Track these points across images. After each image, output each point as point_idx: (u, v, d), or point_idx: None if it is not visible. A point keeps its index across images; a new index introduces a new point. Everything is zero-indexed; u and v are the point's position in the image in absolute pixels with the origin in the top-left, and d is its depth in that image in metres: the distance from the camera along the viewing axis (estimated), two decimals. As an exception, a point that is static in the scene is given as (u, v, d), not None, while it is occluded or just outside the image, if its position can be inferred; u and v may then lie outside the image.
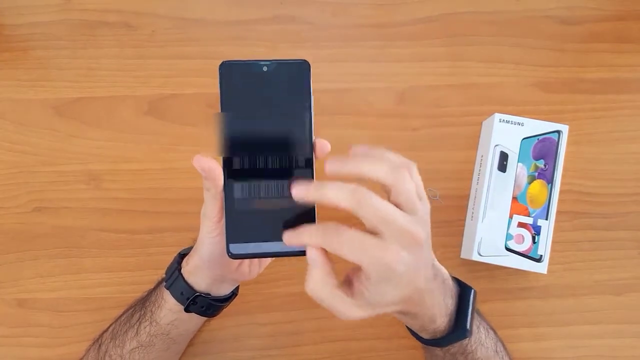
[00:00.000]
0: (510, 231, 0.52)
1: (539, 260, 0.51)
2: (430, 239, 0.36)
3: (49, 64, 0.60)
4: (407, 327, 0.43)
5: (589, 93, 0.59)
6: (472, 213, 0.54)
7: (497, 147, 0.53)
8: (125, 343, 0.45)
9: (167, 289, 0.44)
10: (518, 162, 0.52)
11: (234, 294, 0.48)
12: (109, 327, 0.49)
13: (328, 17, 0.60)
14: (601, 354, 0.55)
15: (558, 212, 0.52)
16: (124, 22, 0.60)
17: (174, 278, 0.44)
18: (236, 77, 0.37)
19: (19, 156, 0.58)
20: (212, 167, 0.37)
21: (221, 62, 0.37)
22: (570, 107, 0.59)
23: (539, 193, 0.52)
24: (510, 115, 0.53)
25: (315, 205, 0.39)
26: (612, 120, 0.58)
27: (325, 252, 0.33)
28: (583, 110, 0.59)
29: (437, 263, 0.39)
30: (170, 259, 0.47)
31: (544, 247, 0.51)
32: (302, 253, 0.39)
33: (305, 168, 0.38)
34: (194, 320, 0.47)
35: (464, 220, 0.57)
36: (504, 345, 0.46)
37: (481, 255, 0.52)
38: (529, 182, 0.52)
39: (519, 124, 0.53)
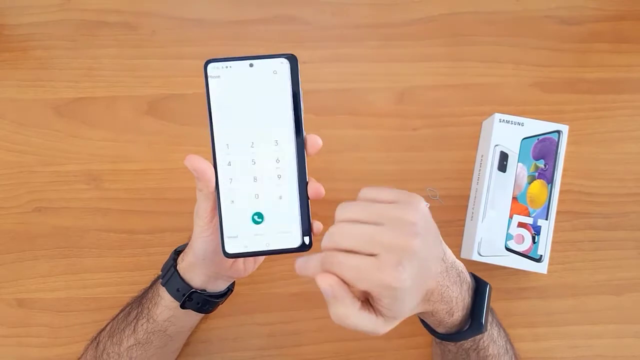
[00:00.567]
0: (510, 231, 0.52)
1: (539, 260, 0.51)
2: (430, 234, 0.35)
3: (49, 64, 0.60)
4: (422, 322, 0.43)
5: (589, 93, 0.59)
6: (472, 213, 0.54)
7: (497, 147, 0.53)
8: (123, 341, 0.46)
9: (163, 285, 0.45)
10: (518, 162, 0.52)
11: (229, 290, 0.49)
12: (106, 326, 0.49)
13: (328, 17, 0.60)
14: (601, 354, 0.55)
15: (558, 212, 0.52)
16: (124, 22, 0.60)
17: (169, 275, 0.44)
18: (222, 76, 0.37)
19: (19, 156, 0.58)
20: (204, 167, 0.37)
21: (206, 60, 0.37)
22: (570, 107, 0.59)
23: (539, 193, 0.52)
24: (510, 115, 0.53)
25: (309, 203, 0.39)
26: (612, 120, 0.58)
27: (337, 277, 0.33)
28: (583, 110, 0.59)
29: (449, 256, 0.39)
30: (170, 259, 0.47)
31: (544, 247, 0.51)
32: (298, 250, 0.39)
33: (297, 164, 0.38)
34: (191, 316, 0.47)
35: (464, 220, 0.57)
36: (512, 345, 0.46)
37: (481, 255, 0.52)
38: (529, 182, 0.52)
39: (519, 124, 0.53)
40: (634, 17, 0.60)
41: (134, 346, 0.45)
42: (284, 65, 0.37)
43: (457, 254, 0.56)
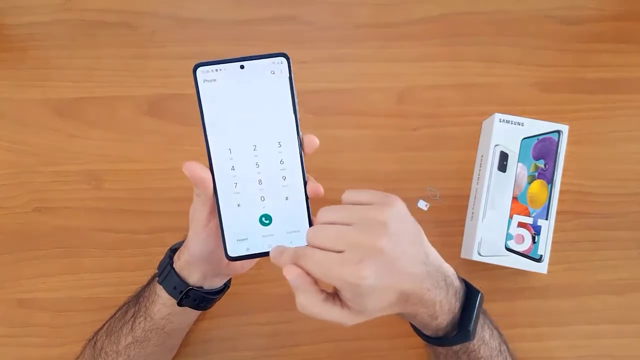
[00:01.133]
0: (510, 231, 0.52)
1: (539, 260, 0.51)
2: (405, 235, 0.36)
3: (49, 64, 0.60)
4: (410, 324, 0.43)
5: (589, 93, 0.59)
6: (472, 213, 0.54)
7: (497, 147, 0.53)
8: (121, 339, 0.46)
9: (160, 283, 0.45)
10: (518, 162, 0.52)
11: (226, 286, 0.49)
12: (103, 325, 0.49)
13: (328, 17, 0.60)
14: (601, 354, 0.55)
15: (558, 212, 0.52)
16: (124, 22, 0.60)
17: (166, 273, 0.44)
18: (213, 79, 0.36)
19: (19, 156, 0.58)
20: (202, 175, 0.37)
21: (195, 64, 0.36)
22: (570, 107, 0.59)
23: (539, 193, 0.52)
24: (510, 115, 0.53)
25: (309, 204, 0.39)
26: (612, 120, 0.58)
27: (303, 271, 0.34)
28: (583, 110, 0.59)
29: (433, 259, 0.38)
30: (170, 259, 0.47)
31: (544, 247, 0.51)
32: None
33: (295, 165, 0.38)
34: (188, 314, 0.47)
35: (464, 220, 0.57)
36: (507, 346, 0.46)
37: (481, 255, 0.51)
38: (529, 182, 0.52)
39: (519, 124, 0.53)
40: (634, 17, 0.60)
41: (132, 344, 0.45)
42: (280, 65, 0.37)
43: (457, 254, 0.56)
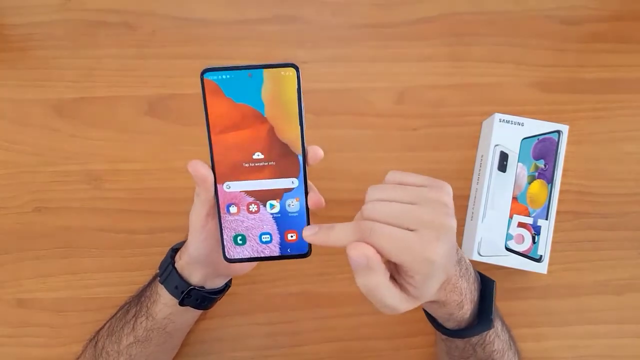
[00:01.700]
0: (510, 231, 0.52)
1: (539, 260, 0.51)
2: (453, 227, 0.35)
3: (49, 64, 0.60)
4: (430, 319, 0.44)
5: (589, 93, 0.59)
6: (472, 213, 0.54)
7: (497, 147, 0.53)
8: (122, 339, 0.46)
9: (162, 283, 0.45)
10: (518, 162, 0.52)
11: (227, 285, 0.49)
12: (104, 325, 0.49)
13: (328, 17, 0.60)
14: (601, 354, 0.55)
15: (558, 212, 0.52)
16: (124, 22, 0.60)
17: (167, 272, 0.45)
18: (220, 85, 0.36)
19: (19, 156, 0.58)
20: (205, 174, 0.37)
21: (203, 69, 0.35)
22: (570, 107, 0.59)
23: (539, 193, 0.52)
24: (510, 115, 0.53)
25: (309, 211, 0.39)
26: (612, 120, 0.58)
27: (373, 250, 0.33)
28: (583, 110, 0.59)
29: (459, 249, 0.39)
30: (170, 259, 0.47)
31: (544, 247, 0.51)
32: (300, 256, 0.39)
33: (297, 175, 0.38)
34: (190, 313, 0.47)
35: (464, 220, 0.57)
36: (514, 342, 0.47)
37: (481, 255, 0.52)
38: (529, 182, 0.52)
39: (519, 124, 0.53)
40: (634, 17, 0.60)
41: (133, 344, 0.45)
42: (284, 74, 0.36)
43: (457, 254, 0.56)
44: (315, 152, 0.38)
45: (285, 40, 0.60)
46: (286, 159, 0.38)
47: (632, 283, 0.56)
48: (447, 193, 0.35)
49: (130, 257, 0.57)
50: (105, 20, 0.60)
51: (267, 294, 0.56)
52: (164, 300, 0.45)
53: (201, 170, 0.37)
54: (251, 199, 0.38)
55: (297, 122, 0.37)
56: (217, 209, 0.39)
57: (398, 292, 0.34)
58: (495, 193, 0.52)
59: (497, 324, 0.43)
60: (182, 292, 0.44)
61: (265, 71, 0.36)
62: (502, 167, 0.52)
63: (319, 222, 0.38)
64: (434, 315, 0.42)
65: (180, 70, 0.59)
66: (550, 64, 0.59)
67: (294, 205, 0.39)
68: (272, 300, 0.56)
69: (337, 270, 0.56)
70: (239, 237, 0.39)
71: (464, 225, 0.57)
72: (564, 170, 0.52)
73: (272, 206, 0.39)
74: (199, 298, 0.45)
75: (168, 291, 0.44)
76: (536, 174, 0.52)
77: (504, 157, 0.53)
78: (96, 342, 0.48)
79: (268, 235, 0.39)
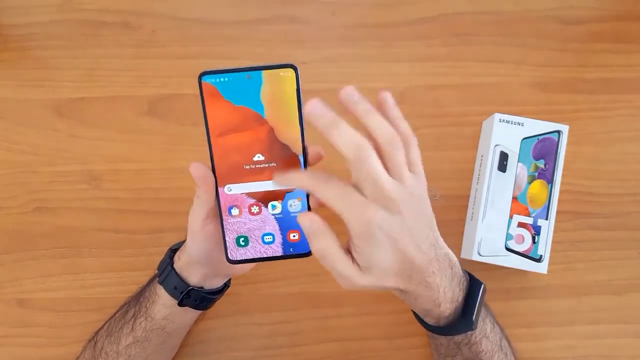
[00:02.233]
0: (510, 231, 0.52)
1: (539, 260, 0.51)
2: (425, 217, 0.37)
3: (49, 64, 0.60)
4: (413, 312, 0.43)
5: (589, 93, 0.59)
6: (472, 213, 0.54)
7: (497, 147, 0.53)
8: (121, 339, 0.46)
9: (160, 284, 0.45)
10: (518, 162, 0.52)
11: (226, 285, 0.49)
12: (103, 325, 0.49)
13: (328, 17, 0.60)
14: (601, 354, 0.55)
15: (558, 212, 0.52)
16: (124, 22, 0.60)
17: (166, 273, 0.45)
18: (218, 88, 0.36)
19: (19, 156, 0.58)
20: (206, 177, 0.37)
21: (200, 72, 0.35)
22: (570, 107, 0.59)
23: (539, 193, 0.52)
24: (510, 115, 0.53)
25: (310, 210, 0.39)
26: (612, 120, 0.58)
27: (321, 220, 0.35)
28: (583, 110, 0.59)
29: (442, 246, 0.39)
30: (170, 259, 0.47)
31: (544, 247, 0.51)
32: (302, 255, 0.39)
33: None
34: (189, 313, 0.47)
35: (464, 220, 0.57)
36: (509, 342, 0.46)
37: (481, 255, 0.52)
38: (529, 182, 0.52)
39: (519, 124, 0.53)
40: (634, 17, 0.60)
41: (133, 344, 0.45)
42: (283, 75, 0.36)
43: (457, 254, 0.56)
44: (316, 152, 0.38)
45: (285, 40, 0.60)
46: (287, 159, 0.38)
47: (632, 283, 0.56)
48: (421, 186, 0.37)
49: (130, 257, 0.57)
50: (105, 20, 0.60)
51: (267, 294, 0.56)
52: (163, 301, 0.45)
53: (203, 172, 0.37)
54: (253, 201, 0.38)
55: (297, 123, 0.37)
56: (219, 212, 0.39)
57: (350, 261, 0.35)
58: (495, 193, 0.52)
59: (487, 326, 0.43)
60: (181, 293, 0.44)
61: (264, 73, 0.36)
62: (502, 167, 0.52)
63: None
64: (411, 307, 0.42)
65: (180, 70, 0.59)
66: (550, 64, 0.59)
67: (295, 205, 0.39)
68: (272, 300, 0.56)
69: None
70: (242, 239, 0.39)
71: (464, 225, 0.57)
72: (564, 170, 0.52)
73: (273, 207, 0.39)
74: (197, 298, 0.45)
75: (167, 292, 0.44)
76: (536, 174, 0.52)
77: (504, 157, 0.53)
78: (95, 343, 0.48)
79: (270, 236, 0.39)
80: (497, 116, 0.53)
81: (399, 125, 0.36)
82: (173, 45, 0.60)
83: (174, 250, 0.46)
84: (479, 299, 0.40)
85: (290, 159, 0.38)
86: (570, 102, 0.59)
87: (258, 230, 0.39)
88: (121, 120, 0.59)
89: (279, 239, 0.39)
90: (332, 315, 0.56)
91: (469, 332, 0.41)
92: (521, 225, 0.52)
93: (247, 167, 0.38)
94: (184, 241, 0.45)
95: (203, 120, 0.37)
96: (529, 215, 0.52)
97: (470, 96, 0.59)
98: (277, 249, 0.39)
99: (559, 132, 0.52)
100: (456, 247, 0.56)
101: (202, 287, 0.45)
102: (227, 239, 0.39)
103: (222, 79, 0.36)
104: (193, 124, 0.58)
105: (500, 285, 0.56)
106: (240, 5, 0.60)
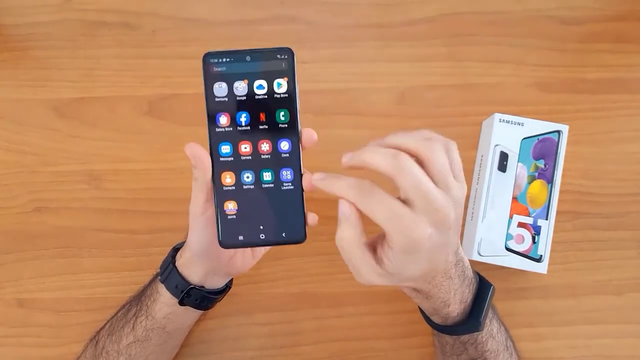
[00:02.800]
0: (510, 231, 0.52)
1: (539, 260, 0.51)
2: (459, 224, 0.36)
3: (49, 64, 0.60)
4: (419, 309, 0.44)
5: (589, 93, 0.59)
6: (472, 213, 0.54)
7: (497, 147, 0.53)
8: (122, 338, 0.46)
9: (162, 282, 0.45)
10: (518, 162, 0.52)
11: (227, 286, 0.49)
12: (105, 324, 0.49)
13: (328, 17, 0.60)
14: (601, 354, 0.55)
15: (558, 212, 0.52)
16: (124, 22, 0.60)
17: (168, 271, 0.44)
18: (220, 68, 0.38)
19: (19, 156, 0.58)
20: (202, 155, 0.38)
21: (205, 52, 0.38)
22: (570, 107, 0.59)
23: (539, 193, 0.52)
24: (510, 115, 0.53)
25: (304, 197, 0.39)
26: (612, 120, 0.58)
27: (357, 209, 0.33)
28: (583, 110, 0.59)
29: (461, 250, 0.39)
30: (170, 259, 0.47)
31: (544, 247, 0.51)
32: (294, 242, 0.39)
33: (292, 157, 0.38)
34: (190, 313, 0.47)
35: (464, 220, 0.57)
36: (513, 343, 0.47)
37: (481, 255, 0.52)
38: (529, 182, 0.52)
39: (519, 124, 0.53)
40: (634, 17, 0.60)
41: (133, 343, 0.45)
42: (280, 57, 0.39)
43: (457, 254, 0.56)
44: (310, 135, 0.38)
45: (285, 40, 0.60)
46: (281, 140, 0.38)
47: (632, 283, 0.56)
48: (463, 192, 0.35)
49: (130, 257, 0.57)
50: (105, 20, 0.60)
51: (267, 294, 0.56)
52: (164, 300, 0.45)
53: (199, 151, 0.37)
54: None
55: (293, 103, 0.38)
56: (214, 193, 0.39)
57: (371, 260, 0.34)
58: (495, 193, 0.52)
59: (493, 326, 0.43)
60: (182, 292, 0.44)
61: (263, 53, 0.39)
62: (502, 167, 0.52)
63: (317, 220, 0.39)
64: (419, 305, 0.42)
65: (180, 70, 0.59)
66: (550, 64, 0.59)
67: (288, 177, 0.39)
68: (272, 300, 0.56)
69: (337, 270, 0.56)
70: None
71: (464, 225, 0.57)
72: (564, 170, 0.52)
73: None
74: (198, 298, 0.45)
75: (168, 290, 0.44)
76: (536, 174, 0.52)
77: (504, 157, 0.53)
78: (97, 342, 0.48)
79: None
80: (497, 116, 0.53)
81: (432, 137, 0.35)
82: (173, 45, 0.60)
83: (176, 249, 0.46)
84: (487, 300, 0.41)
85: (284, 140, 0.38)
86: (570, 102, 0.59)
87: None
88: (121, 120, 0.59)
89: None
90: (332, 315, 0.56)
91: (476, 332, 0.41)
92: (521, 225, 0.52)
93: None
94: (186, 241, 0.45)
95: (204, 99, 0.38)
96: (529, 215, 0.52)
97: (470, 96, 0.59)
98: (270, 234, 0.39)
99: (559, 132, 0.52)
100: (456, 247, 0.56)
101: (203, 287, 0.45)
102: (220, 222, 0.39)
103: (224, 59, 0.38)
104: (193, 124, 0.58)
105: (500, 285, 0.55)
106: (240, 5, 0.60)
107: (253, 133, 0.38)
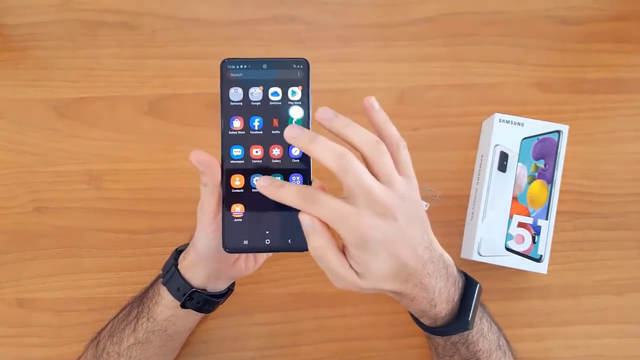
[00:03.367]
0: (510, 231, 0.52)
1: (539, 260, 0.51)
2: (419, 219, 0.37)
3: (49, 64, 0.60)
4: (409, 313, 0.43)
5: (589, 93, 0.59)
6: (472, 213, 0.54)
7: (497, 147, 0.53)
8: (123, 340, 0.46)
9: (164, 284, 0.44)
10: (518, 162, 0.52)
11: (229, 290, 0.49)
12: (106, 325, 0.49)
13: (328, 17, 0.60)
14: (601, 354, 0.55)
15: (558, 212, 0.52)
16: (124, 22, 0.60)
17: (170, 274, 0.44)
18: (237, 75, 0.38)
19: (19, 156, 0.58)
20: (209, 161, 0.37)
21: (222, 59, 0.38)
22: (570, 107, 0.59)
23: (539, 193, 0.52)
24: (510, 115, 0.53)
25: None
26: (612, 120, 0.58)
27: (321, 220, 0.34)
28: (583, 110, 0.59)
29: (436, 247, 0.39)
30: (170, 259, 0.47)
31: (544, 247, 0.51)
32: (299, 249, 0.39)
33: (303, 164, 0.39)
34: (191, 316, 0.47)
35: (464, 220, 0.57)
36: (507, 342, 0.46)
37: (481, 255, 0.52)
38: (529, 182, 0.52)
39: (519, 124, 0.53)
40: (634, 17, 0.60)
41: (134, 345, 0.45)
42: (296, 67, 0.39)
43: (457, 254, 0.56)
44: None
45: (285, 40, 0.60)
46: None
47: (632, 283, 0.56)
48: (413, 189, 0.36)
49: (130, 257, 0.57)
50: (105, 20, 0.60)
51: (267, 294, 0.56)
52: (166, 302, 0.45)
53: (205, 157, 0.37)
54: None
55: (306, 112, 0.39)
56: (223, 198, 0.39)
57: (346, 264, 0.35)
58: (495, 193, 0.52)
59: (484, 325, 0.43)
60: (184, 295, 0.44)
61: (279, 63, 0.39)
62: (502, 167, 0.52)
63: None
64: (408, 309, 0.42)
65: (180, 70, 0.59)
66: (550, 64, 0.59)
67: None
68: (272, 300, 0.56)
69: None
70: None
71: (464, 226, 0.57)
72: (564, 170, 0.52)
73: None
74: (200, 301, 0.45)
75: (170, 293, 0.44)
76: (536, 174, 0.52)
77: (504, 157, 0.53)
78: (97, 343, 0.48)
79: None
80: (497, 116, 0.53)
81: (387, 129, 0.37)
82: (173, 45, 0.60)
83: (179, 252, 0.46)
84: (474, 298, 0.41)
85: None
86: (570, 102, 0.59)
87: None
88: (121, 120, 0.59)
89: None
90: (332, 315, 0.56)
91: (466, 332, 0.41)
92: (521, 225, 0.52)
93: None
94: (188, 243, 0.45)
95: (220, 104, 0.38)
96: (529, 215, 0.52)
97: (470, 96, 0.59)
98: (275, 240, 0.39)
99: (559, 132, 0.52)
100: (456, 247, 0.56)
101: (205, 290, 0.45)
102: (225, 226, 0.39)
103: (241, 66, 0.39)
104: (193, 124, 0.58)
105: (500, 285, 0.56)
106: (240, 5, 0.60)
107: (265, 137, 0.38)
